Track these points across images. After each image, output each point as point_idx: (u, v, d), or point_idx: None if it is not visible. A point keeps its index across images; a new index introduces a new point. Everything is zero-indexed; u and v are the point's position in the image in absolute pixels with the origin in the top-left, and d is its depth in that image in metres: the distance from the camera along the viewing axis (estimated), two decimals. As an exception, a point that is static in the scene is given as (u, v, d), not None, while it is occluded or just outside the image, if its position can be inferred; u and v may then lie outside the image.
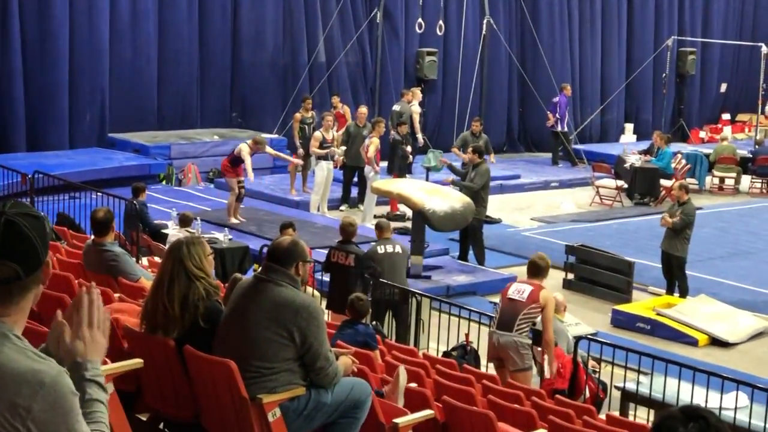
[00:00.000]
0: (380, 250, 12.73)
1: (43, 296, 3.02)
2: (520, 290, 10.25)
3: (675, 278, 15.53)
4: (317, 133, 19.22)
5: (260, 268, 5.86)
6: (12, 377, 2.74)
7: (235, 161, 17.42)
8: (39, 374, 2.75)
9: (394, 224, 18.75)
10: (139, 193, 14.89)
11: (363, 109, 20.66)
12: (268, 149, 18.66)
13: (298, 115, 20.48)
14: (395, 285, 12.57)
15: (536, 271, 10.38)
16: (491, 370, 10.88)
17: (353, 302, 9.24)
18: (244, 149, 17.42)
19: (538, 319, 10.31)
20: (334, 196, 19.98)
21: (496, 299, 13.37)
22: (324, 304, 12.55)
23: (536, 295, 10.11)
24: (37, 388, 2.73)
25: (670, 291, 15.58)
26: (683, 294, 15.46)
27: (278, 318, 5.54)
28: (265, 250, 6.88)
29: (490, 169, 17.39)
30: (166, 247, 12.79)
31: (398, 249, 12.85)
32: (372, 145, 18.94)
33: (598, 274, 15.86)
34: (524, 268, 14.20)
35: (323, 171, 19.01)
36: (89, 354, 2.95)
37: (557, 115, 25.37)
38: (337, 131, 20.08)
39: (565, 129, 25.65)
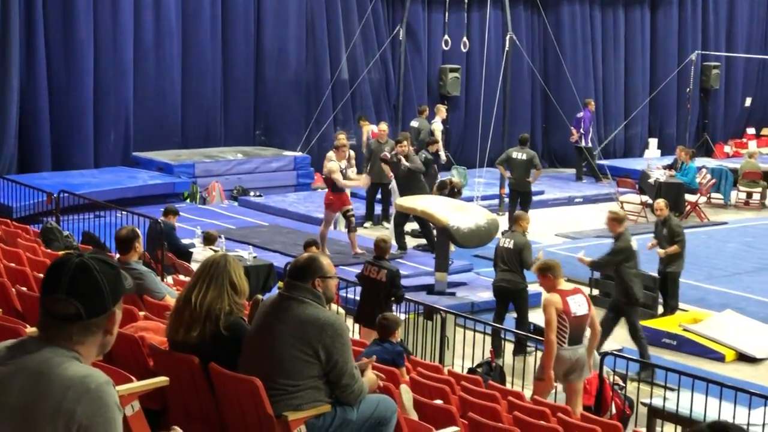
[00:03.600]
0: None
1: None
2: (579, 303, 10.20)
3: (667, 294, 15.38)
4: (330, 153, 18.92)
5: (283, 286, 5.88)
6: (61, 382, 2.85)
7: (335, 187, 16.91)
8: (86, 379, 2.86)
9: (417, 241, 18.83)
10: (168, 214, 14.94)
11: (383, 126, 20.70)
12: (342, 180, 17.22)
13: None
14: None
15: (559, 270, 10.36)
16: (516, 387, 10.88)
17: (381, 322, 9.26)
18: (333, 167, 16.87)
19: None
20: (358, 213, 19.95)
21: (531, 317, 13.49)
22: (349, 320, 12.60)
23: (589, 301, 10.32)
24: (83, 393, 2.83)
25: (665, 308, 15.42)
26: (671, 312, 15.30)
27: (303, 336, 5.54)
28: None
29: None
30: (192, 265, 12.91)
31: (510, 244, 13.39)
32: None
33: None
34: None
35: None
36: None
37: (581, 131, 25.34)
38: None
39: (589, 144, 25.62)
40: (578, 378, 10.23)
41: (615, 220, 13.32)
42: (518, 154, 20.00)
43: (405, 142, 18.38)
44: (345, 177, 17.11)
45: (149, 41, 21.95)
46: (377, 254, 12.56)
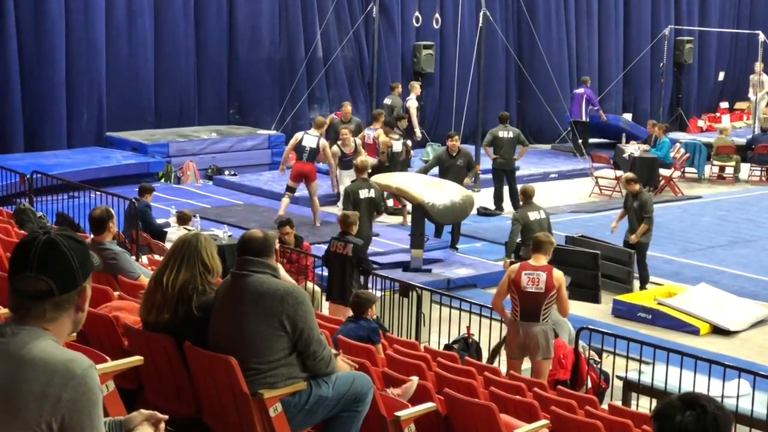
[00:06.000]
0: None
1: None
2: (534, 280, 10.14)
3: (638, 265, 15.54)
4: (335, 148, 18.35)
5: (237, 264, 5.81)
6: (45, 367, 2.82)
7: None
8: (71, 364, 2.83)
9: (393, 218, 18.84)
10: (143, 193, 14.89)
11: (348, 107, 20.75)
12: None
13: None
14: None
15: (539, 246, 10.39)
16: (494, 363, 10.91)
17: (355, 300, 9.27)
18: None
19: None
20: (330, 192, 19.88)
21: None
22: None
23: (551, 281, 10.13)
24: (69, 379, 2.81)
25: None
26: (644, 283, 15.44)
27: (266, 309, 5.51)
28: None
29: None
30: (167, 245, 12.87)
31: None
32: (381, 136, 18.92)
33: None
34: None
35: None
36: None
37: (592, 106, 25.60)
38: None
39: (586, 119, 25.79)
40: (537, 357, 10.26)
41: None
42: (504, 133, 20.03)
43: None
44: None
45: (121, 20, 21.80)
46: (343, 229, 12.48)
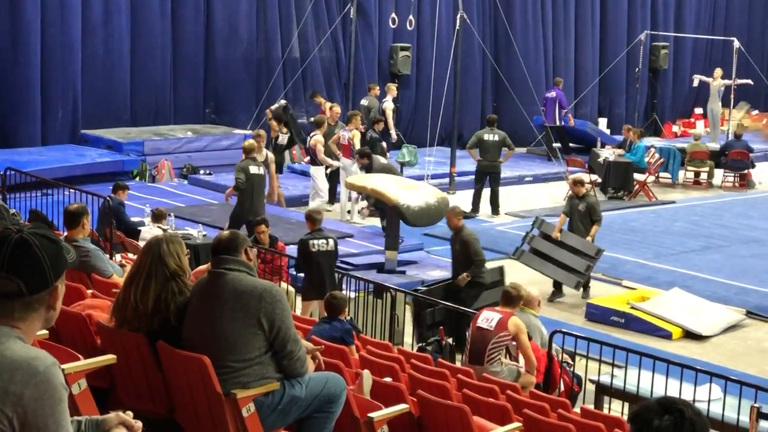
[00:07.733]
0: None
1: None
2: (488, 318, 9.95)
3: None
4: (319, 137, 19.10)
5: (212, 263, 5.79)
6: (7, 364, 2.80)
7: None
8: (34, 361, 2.81)
9: (368, 221, 18.83)
10: (117, 190, 14.82)
11: (337, 109, 20.69)
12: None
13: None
14: None
15: (507, 299, 10.15)
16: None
17: (330, 301, 9.26)
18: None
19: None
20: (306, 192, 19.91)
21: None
22: (297, 298, 12.62)
23: (505, 322, 9.86)
24: (31, 375, 2.79)
25: None
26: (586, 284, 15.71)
27: (243, 307, 5.51)
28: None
29: None
30: (140, 243, 12.81)
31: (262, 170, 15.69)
32: (355, 137, 18.95)
33: (557, 251, 15.60)
34: (498, 263, 14.33)
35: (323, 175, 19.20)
36: None
37: (561, 108, 25.68)
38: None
39: (560, 123, 25.90)
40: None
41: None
42: (490, 136, 20.09)
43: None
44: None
45: (97, 16, 21.71)
46: (317, 228, 12.67)
